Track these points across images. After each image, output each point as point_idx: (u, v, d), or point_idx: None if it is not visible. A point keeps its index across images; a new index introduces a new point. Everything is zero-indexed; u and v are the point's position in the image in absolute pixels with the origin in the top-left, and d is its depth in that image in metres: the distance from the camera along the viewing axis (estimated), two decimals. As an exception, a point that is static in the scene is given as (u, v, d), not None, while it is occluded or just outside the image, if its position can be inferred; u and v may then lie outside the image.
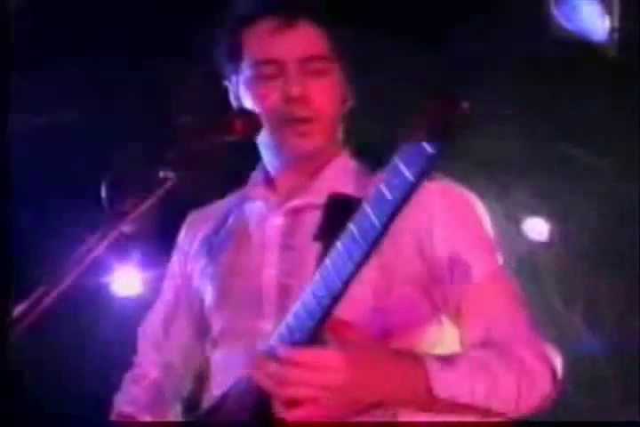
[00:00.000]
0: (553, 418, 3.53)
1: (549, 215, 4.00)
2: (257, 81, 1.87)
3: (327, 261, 1.48)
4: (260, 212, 1.98)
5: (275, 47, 1.84)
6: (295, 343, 1.54)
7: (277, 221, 1.93)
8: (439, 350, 1.77)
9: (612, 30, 3.64)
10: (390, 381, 1.55)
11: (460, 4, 3.58)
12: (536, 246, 4.09)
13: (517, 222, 4.07)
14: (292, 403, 1.48)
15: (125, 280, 4.02)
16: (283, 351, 1.51)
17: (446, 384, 1.56)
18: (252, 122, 1.80)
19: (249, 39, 1.88)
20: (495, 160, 3.76)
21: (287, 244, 1.89)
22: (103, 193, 1.61)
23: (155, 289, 4.25)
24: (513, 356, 1.67)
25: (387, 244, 1.45)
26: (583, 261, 3.84)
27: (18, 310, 1.48)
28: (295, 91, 1.81)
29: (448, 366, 1.58)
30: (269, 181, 1.99)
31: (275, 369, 1.49)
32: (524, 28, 3.50)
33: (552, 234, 4.08)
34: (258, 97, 1.87)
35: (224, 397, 1.78)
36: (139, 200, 1.62)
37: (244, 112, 1.82)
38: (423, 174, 1.32)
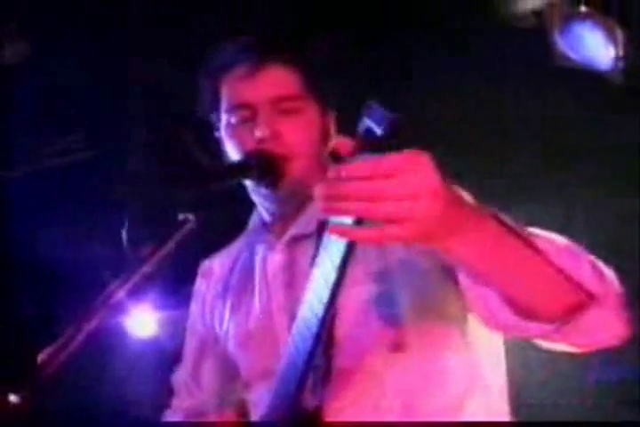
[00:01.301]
0: (553, 418, 3.54)
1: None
2: (233, 125, 1.90)
3: (309, 287, 1.49)
4: (262, 253, 2.01)
5: (246, 92, 1.88)
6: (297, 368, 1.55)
7: (276, 258, 1.95)
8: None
9: (617, 59, 3.66)
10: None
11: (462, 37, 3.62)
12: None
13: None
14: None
15: (140, 320, 4.02)
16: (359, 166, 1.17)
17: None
18: (267, 163, 1.82)
19: (224, 87, 1.92)
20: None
21: (289, 280, 1.91)
22: (124, 237, 1.62)
23: (169, 330, 4.30)
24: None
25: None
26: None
27: (44, 354, 1.48)
28: (265, 131, 1.83)
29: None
30: (265, 226, 2.02)
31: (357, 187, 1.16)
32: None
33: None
34: (234, 140, 1.90)
35: None
36: (159, 243, 1.62)
37: (262, 154, 1.84)
38: None
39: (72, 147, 3.91)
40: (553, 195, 3.82)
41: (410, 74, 3.69)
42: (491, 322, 1.51)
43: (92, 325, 1.54)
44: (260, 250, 2.02)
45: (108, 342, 3.92)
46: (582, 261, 1.44)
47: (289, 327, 1.82)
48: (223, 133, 1.94)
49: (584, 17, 3.69)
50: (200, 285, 2.17)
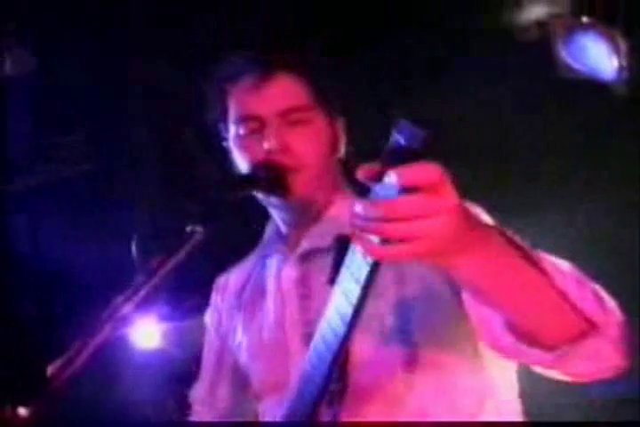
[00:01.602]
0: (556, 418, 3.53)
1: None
2: (241, 137, 1.90)
3: (330, 304, 1.47)
4: (276, 265, 2.00)
5: (254, 104, 1.88)
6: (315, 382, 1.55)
7: (291, 271, 1.94)
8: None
9: (621, 69, 3.66)
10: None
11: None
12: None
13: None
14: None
15: (145, 332, 4.02)
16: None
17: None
18: (276, 175, 1.82)
19: (232, 98, 1.92)
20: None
21: (304, 293, 1.90)
22: (133, 249, 1.61)
23: (173, 341, 4.30)
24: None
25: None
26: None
27: (53, 367, 1.48)
28: (273, 143, 1.83)
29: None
30: (280, 235, 2.01)
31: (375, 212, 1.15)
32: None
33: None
34: (243, 152, 1.89)
35: None
36: (167, 255, 1.62)
37: (271, 166, 1.83)
38: None
39: (73, 154, 3.91)
40: (554, 202, 3.83)
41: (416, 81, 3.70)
42: (494, 346, 1.50)
43: (99, 338, 1.54)
44: (274, 262, 2.02)
45: (112, 354, 3.92)
46: (586, 288, 1.42)
47: (301, 342, 1.84)
48: (232, 144, 1.94)
49: (587, 28, 3.69)
50: (215, 298, 2.17)
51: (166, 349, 4.06)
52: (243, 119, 1.89)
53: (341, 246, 1.54)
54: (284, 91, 1.88)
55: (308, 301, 1.87)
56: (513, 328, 1.40)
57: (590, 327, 1.39)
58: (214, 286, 2.19)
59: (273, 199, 1.90)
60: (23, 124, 3.90)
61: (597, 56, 3.68)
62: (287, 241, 1.99)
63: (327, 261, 1.65)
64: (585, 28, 3.67)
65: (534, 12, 3.65)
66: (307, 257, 1.91)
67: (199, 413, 2.17)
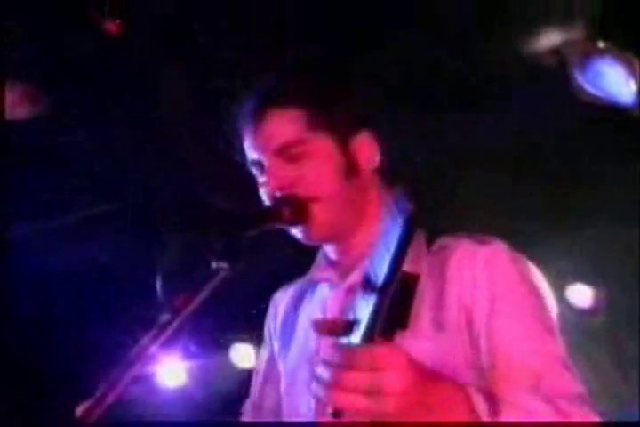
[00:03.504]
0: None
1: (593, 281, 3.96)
2: (257, 178, 1.93)
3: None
4: (323, 293, 1.99)
5: (253, 148, 1.89)
6: None
7: (335, 302, 1.92)
8: None
9: (639, 93, 3.64)
10: (440, 401, 1.41)
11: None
12: (581, 313, 4.03)
13: (560, 289, 4.03)
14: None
15: (170, 370, 3.99)
16: (335, 354, 1.35)
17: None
18: (299, 209, 1.81)
19: (244, 144, 1.94)
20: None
21: None
22: (157, 288, 1.60)
23: (198, 379, 4.27)
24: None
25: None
26: (634, 326, 3.78)
27: (82, 408, 1.47)
28: (272, 184, 1.84)
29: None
30: (330, 261, 1.99)
31: (328, 374, 1.33)
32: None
33: (597, 300, 4.03)
34: (264, 193, 1.91)
35: None
36: (192, 293, 1.61)
37: (290, 199, 1.82)
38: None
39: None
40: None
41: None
42: None
43: (127, 378, 1.53)
44: (324, 289, 2.00)
45: (137, 393, 3.89)
46: None
47: None
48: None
49: (603, 53, 3.69)
50: (270, 311, 2.16)
51: (191, 387, 4.03)
52: (251, 164, 1.92)
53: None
54: (275, 129, 1.86)
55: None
56: None
57: None
58: (272, 299, 2.18)
59: (297, 234, 1.88)
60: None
61: (615, 81, 3.67)
62: (337, 268, 1.97)
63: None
64: (601, 53, 3.66)
65: (549, 39, 3.64)
66: (352, 290, 1.87)
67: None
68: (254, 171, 1.92)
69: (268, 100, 1.88)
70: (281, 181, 1.82)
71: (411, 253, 1.76)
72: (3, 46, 3.27)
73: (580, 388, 1.64)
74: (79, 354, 4.10)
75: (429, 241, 1.77)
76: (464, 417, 1.40)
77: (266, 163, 1.85)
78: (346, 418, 1.31)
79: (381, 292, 1.32)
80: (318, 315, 1.95)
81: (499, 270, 1.74)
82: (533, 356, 1.65)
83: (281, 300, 2.14)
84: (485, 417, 1.41)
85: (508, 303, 1.71)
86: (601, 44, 3.64)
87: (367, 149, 1.91)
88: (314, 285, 2.04)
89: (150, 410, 4.10)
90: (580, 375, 1.69)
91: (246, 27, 3.55)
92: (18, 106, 3.56)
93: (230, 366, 4.00)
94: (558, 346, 1.70)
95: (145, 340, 1.55)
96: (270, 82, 1.96)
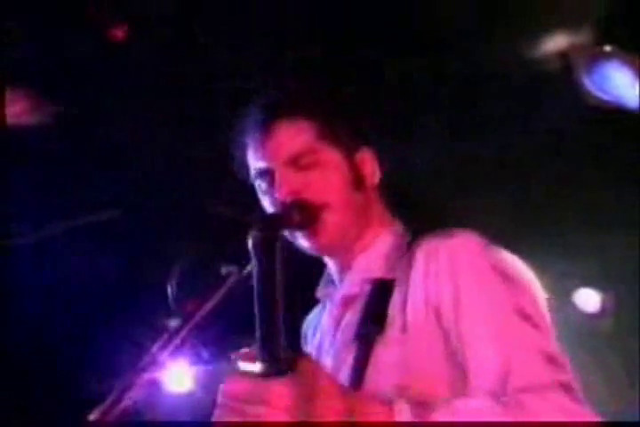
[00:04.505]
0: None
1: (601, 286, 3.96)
2: (263, 192, 1.90)
3: None
4: (328, 309, 1.98)
5: (262, 159, 1.88)
6: None
7: (329, 316, 1.93)
8: None
9: (646, 96, 3.65)
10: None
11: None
12: (589, 318, 4.03)
13: (568, 294, 4.03)
14: None
15: (176, 376, 3.98)
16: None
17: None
18: (309, 213, 1.80)
19: (248, 157, 1.93)
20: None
21: (336, 337, 1.88)
22: (169, 294, 1.60)
23: (204, 385, 4.25)
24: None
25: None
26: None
27: (95, 413, 1.47)
28: (282, 191, 1.82)
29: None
30: (330, 278, 2.00)
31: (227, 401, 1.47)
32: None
33: (604, 304, 4.02)
34: (270, 206, 1.89)
35: None
36: (203, 299, 1.61)
37: (301, 204, 1.82)
38: None
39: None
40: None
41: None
42: None
43: (138, 384, 1.53)
44: (327, 306, 1.99)
45: (142, 399, 3.89)
46: None
47: None
48: (261, 198, 1.94)
49: (610, 56, 3.69)
50: (304, 334, 2.13)
51: (198, 392, 4.02)
52: (258, 176, 1.89)
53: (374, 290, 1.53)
54: (285, 139, 1.86)
55: (335, 345, 1.85)
56: None
57: None
58: (304, 322, 2.17)
59: (302, 241, 1.87)
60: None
61: (621, 84, 3.67)
62: (334, 284, 1.97)
63: (358, 309, 1.64)
64: (607, 56, 3.66)
65: (556, 43, 3.64)
66: (345, 303, 1.88)
67: None
68: (258, 180, 1.90)
69: (277, 112, 1.88)
70: (292, 187, 1.82)
71: (387, 261, 1.79)
72: (3, 46, 3.26)
73: (563, 376, 1.59)
74: (83, 359, 4.10)
75: (409, 244, 1.80)
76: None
77: (276, 171, 1.85)
78: None
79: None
80: (325, 329, 1.95)
81: (464, 260, 1.72)
82: (500, 346, 1.62)
83: (311, 320, 2.12)
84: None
85: (475, 291, 1.68)
86: (607, 48, 3.64)
87: (369, 165, 1.92)
88: (323, 301, 2.04)
89: (156, 415, 4.09)
90: (580, 373, 1.65)
91: (246, 27, 3.55)
92: (22, 115, 3.56)
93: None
94: (535, 333, 1.66)
95: (156, 345, 1.55)
96: (277, 94, 1.96)
